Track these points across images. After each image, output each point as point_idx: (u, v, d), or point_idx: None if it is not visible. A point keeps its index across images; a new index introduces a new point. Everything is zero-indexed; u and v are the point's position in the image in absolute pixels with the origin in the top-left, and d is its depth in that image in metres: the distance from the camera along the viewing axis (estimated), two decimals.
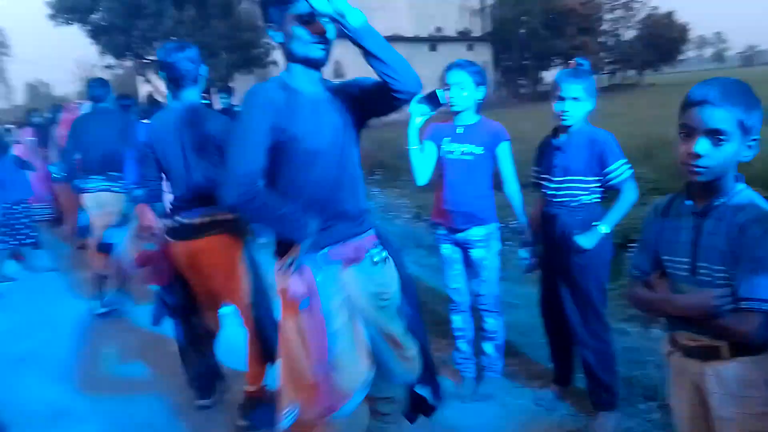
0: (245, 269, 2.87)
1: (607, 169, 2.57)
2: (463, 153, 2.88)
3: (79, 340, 4.29)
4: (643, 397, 2.82)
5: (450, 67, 2.87)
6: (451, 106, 2.84)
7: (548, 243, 2.77)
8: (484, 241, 2.93)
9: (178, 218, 2.82)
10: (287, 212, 1.87)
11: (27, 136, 8.50)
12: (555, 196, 2.68)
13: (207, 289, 2.94)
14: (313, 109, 1.92)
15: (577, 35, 34.56)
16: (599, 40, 37.90)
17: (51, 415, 3.23)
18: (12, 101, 59.41)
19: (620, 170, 2.56)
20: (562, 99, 2.56)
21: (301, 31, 1.86)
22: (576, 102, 2.55)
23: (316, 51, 1.89)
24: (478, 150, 2.87)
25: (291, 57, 1.93)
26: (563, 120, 2.59)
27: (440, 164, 2.93)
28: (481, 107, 2.95)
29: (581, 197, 2.62)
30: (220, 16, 18.34)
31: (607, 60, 42.40)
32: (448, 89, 2.82)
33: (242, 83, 21.17)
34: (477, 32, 32.83)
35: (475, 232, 2.92)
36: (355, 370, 1.99)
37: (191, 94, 2.86)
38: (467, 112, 2.89)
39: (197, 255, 2.81)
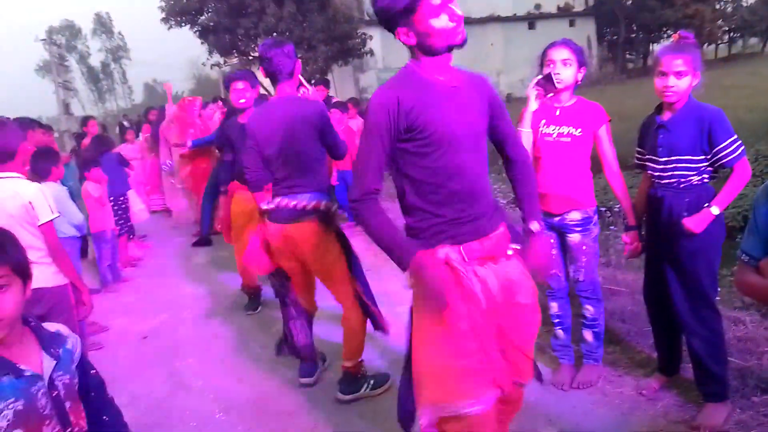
0: (340, 251, 3.07)
1: (717, 148, 2.43)
2: (560, 135, 2.81)
3: (194, 321, 4.63)
4: (758, 390, 2.65)
5: (553, 44, 2.80)
6: (558, 82, 2.74)
7: (654, 227, 2.67)
8: (582, 225, 2.85)
9: (277, 203, 3.03)
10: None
11: (145, 133, 9.22)
12: (661, 177, 2.58)
13: (302, 270, 3.16)
14: (447, 97, 1.84)
15: (690, 3, 32.05)
16: (716, 7, 34.93)
17: (168, 389, 3.53)
18: (132, 101, 64.28)
19: (731, 148, 2.42)
20: (664, 74, 2.45)
21: (442, 21, 1.79)
22: (680, 77, 2.43)
23: (457, 35, 1.82)
24: (576, 132, 2.78)
25: (429, 51, 1.83)
26: (666, 96, 2.48)
27: (537, 147, 2.87)
28: (586, 84, 2.87)
29: (689, 178, 2.50)
30: (317, 10, 18.77)
31: (725, 28, 39.02)
32: (551, 68, 2.75)
33: (339, 74, 21.63)
34: (579, 6, 31.35)
35: (572, 217, 2.84)
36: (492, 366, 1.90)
37: (288, 87, 3.07)
38: (565, 93, 2.82)
39: (293, 238, 3.01)
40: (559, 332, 3.10)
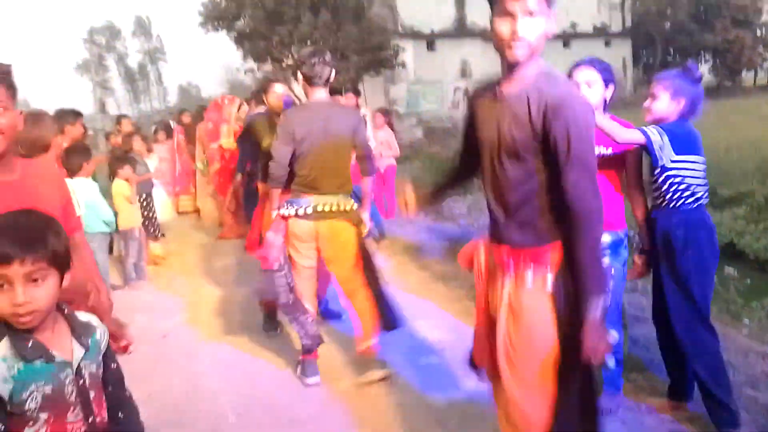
0: (360, 249, 3.36)
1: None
2: None
3: (213, 322, 4.65)
4: None
5: (578, 65, 2.77)
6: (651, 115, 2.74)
7: (653, 248, 2.74)
8: (611, 248, 2.78)
9: (309, 202, 3.24)
10: None
11: (179, 133, 9.35)
12: (654, 198, 2.71)
13: (314, 266, 3.43)
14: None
15: (731, 28, 31.54)
16: (757, 33, 34.31)
17: (184, 389, 3.54)
18: (166, 102, 65.48)
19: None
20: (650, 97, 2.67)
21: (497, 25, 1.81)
22: (655, 99, 2.63)
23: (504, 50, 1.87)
24: (606, 150, 2.74)
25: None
26: (646, 116, 2.68)
27: None
28: (619, 106, 2.84)
29: (679, 197, 2.61)
30: (352, 20, 18.92)
31: (766, 55, 38.32)
32: (577, 88, 2.71)
33: (370, 84, 21.73)
34: (615, 27, 31.07)
35: (602, 239, 2.77)
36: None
37: (324, 92, 3.30)
38: (596, 112, 2.76)
39: (322, 234, 3.28)
40: None
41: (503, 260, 1.95)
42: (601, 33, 30.89)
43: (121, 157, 6.04)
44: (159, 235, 6.97)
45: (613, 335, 2.89)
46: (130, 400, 1.69)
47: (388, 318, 3.38)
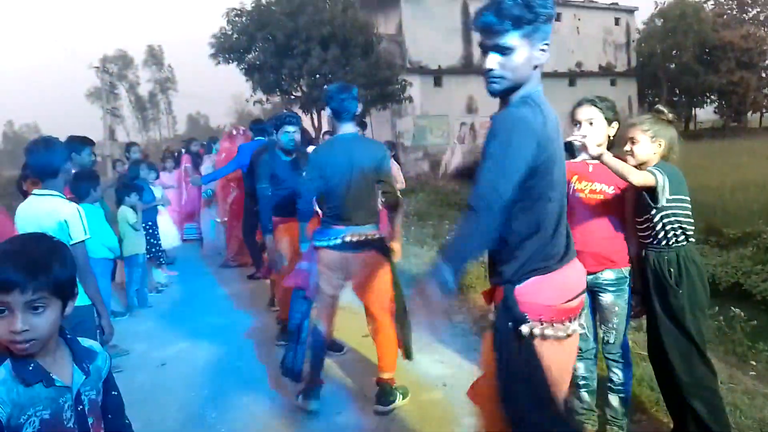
0: (392, 280, 3.44)
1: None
2: (592, 192, 2.77)
3: (213, 352, 4.61)
4: None
5: (580, 103, 2.79)
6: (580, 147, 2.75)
7: (646, 286, 2.74)
8: (616, 285, 2.78)
9: (338, 233, 3.31)
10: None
11: (185, 162, 9.44)
12: (645, 237, 2.71)
13: (359, 292, 3.50)
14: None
15: (735, 70, 31.90)
16: (762, 75, 34.64)
17: (181, 419, 3.49)
18: (175, 131, 66.27)
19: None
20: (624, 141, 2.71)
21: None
22: (633, 143, 2.67)
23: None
24: (609, 189, 2.75)
25: (536, 78, 1.85)
26: (626, 159, 2.67)
27: (570, 203, 2.83)
28: (622, 144, 2.84)
29: (673, 235, 2.63)
30: (361, 55, 19.23)
31: None
32: (578, 126, 2.74)
33: (377, 118, 21.97)
34: (621, 67, 31.47)
35: (606, 276, 2.78)
36: None
37: (352, 126, 3.39)
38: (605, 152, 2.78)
39: (354, 264, 3.36)
40: (584, 395, 2.98)
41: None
42: (607, 72, 31.26)
43: (128, 185, 6.07)
44: (163, 262, 6.97)
45: (617, 374, 2.86)
46: (129, 429, 1.67)
47: (408, 348, 3.52)
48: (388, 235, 3.58)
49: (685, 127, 35.78)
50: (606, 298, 2.80)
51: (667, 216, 2.61)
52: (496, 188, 1.71)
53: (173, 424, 3.43)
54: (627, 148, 2.69)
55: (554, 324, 1.83)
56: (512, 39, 1.75)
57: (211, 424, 3.40)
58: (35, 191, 2.96)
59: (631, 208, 2.75)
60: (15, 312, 1.30)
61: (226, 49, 19.94)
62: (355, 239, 3.32)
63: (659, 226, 2.64)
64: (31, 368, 1.35)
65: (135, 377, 4.13)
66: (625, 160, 2.63)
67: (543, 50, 1.78)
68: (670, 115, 2.71)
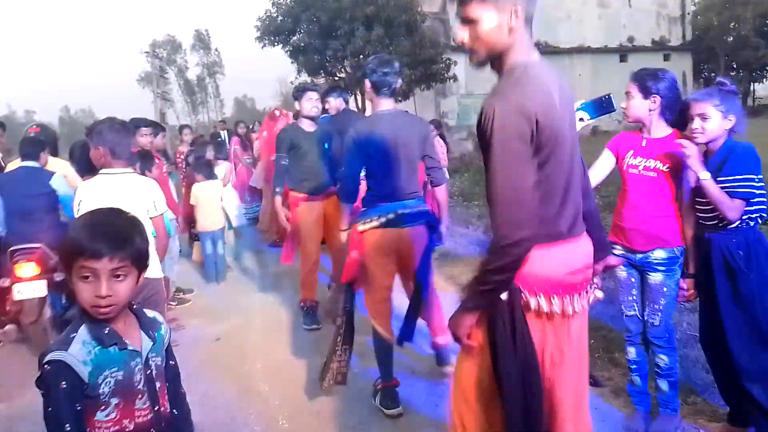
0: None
1: (722, 178, 2.47)
2: (646, 168, 2.70)
3: (265, 327, 4.75)
4: None
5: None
6: (625, 116, 2.71)
7: (706, 269, 2.62)
8: (667, 265, 2.71)
9: (388, 209, 3.15)
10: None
11: (234, 144, 9.63)
12: (706, 219, 2.60)
13: (400, 269, 3.31)
14: (563, 103, 1.73)
15: None
16: None
17: (236, 392, 3.62)
18: (222, 114, 67.39)
19: (738, 184, 2.45)
20: (692, 118, 2.54)
21: None
22: (704, 119, 2.52)
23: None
24: (663, 167, 2.67)
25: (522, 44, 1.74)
26: (694, 138, 2.54)
27: (623, 179, 2.78)
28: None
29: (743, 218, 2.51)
30: (405, 34, 19.04)
31: None
32: (627, 99, 2.69)
33: (420, 98, 21.79)
34: (675, 41, 30.22)
35: (656, 255, 2.71)
36: None
37: (392, 101, 3.25)
38: (653, 125, 2.71)
39: (407, 240, 3.18)
40: (636, 379, 2.95)
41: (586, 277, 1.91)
42: (661, 47, 30.08)
43: (199, 163, 6.39)
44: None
45: (663, 359, 2.80)
46: (184, 398, 1.76)
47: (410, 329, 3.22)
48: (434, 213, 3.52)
49: (743, 102, 34.20)
50: (655, 278, 2.73)
51: (760, 192, 2.48)
52: (513, 221, 1.59)
53: (228, 397, 3.56)
54: (696, 125, 2.54)
55: (550, 298, 1.71)
56: (475, 9, 1.68)
57: (265, 398, 3.52)
58: (115, 169, 3.11)
59: (691, 188, 2.65)
60: (101, 278, 1.41)
61: (271, 31, 20.08)
62: (406, 212, 3.15)
63: (710, 206, 2.53)
64: (106, 332, 1.45)
65: (192, 352, 4.29)
66: (692, 139, 2.54)
67: (515, 14, 1.66)
68: (734, 87, 2.58)
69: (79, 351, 1.41)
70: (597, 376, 3.36)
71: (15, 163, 4.56)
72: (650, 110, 2.68)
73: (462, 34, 1.74)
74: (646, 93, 2.66)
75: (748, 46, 30.75)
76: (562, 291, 1.73)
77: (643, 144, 2.73)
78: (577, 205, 1.81)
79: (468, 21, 1.71)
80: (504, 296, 1.69)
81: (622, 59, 28.19)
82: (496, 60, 1.75)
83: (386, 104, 3.23)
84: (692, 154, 2.47)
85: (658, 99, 2.65)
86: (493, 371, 1.74)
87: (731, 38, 32.46)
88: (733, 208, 2.45)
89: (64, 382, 1.37)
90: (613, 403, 3.17)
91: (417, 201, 3.26)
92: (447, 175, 7.54)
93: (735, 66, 33.07)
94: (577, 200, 1.80)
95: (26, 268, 4.07)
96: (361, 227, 3.16)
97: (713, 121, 2.52)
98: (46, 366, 1.39)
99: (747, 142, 2.56)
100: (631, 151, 2.76)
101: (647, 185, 2.70)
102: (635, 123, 2.76)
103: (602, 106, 2.29)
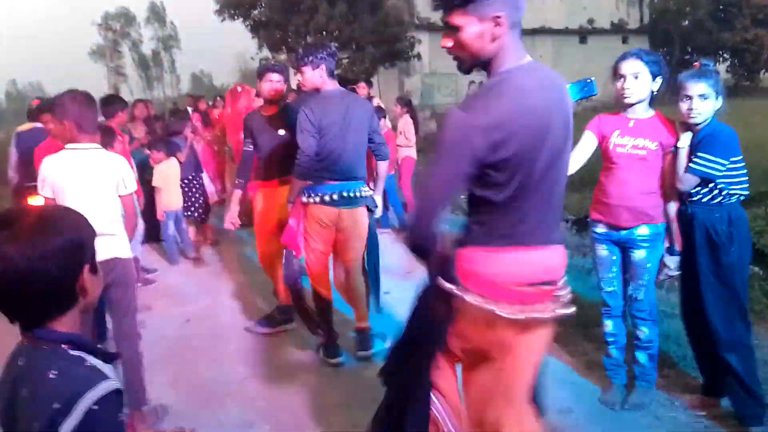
0: (370, 234, 3.65)
1: (697, 155, 2.57)
2: (635, 147, 2.73)
3: (237, 308, 4.66)
4: None
5: (624, 56, 2.72)
6: (625, 97, 2.71)
7: (688, 243, 2.72)
8: (651, 241, 2.76)
9: (334, 189, 3.38)
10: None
11: (195, 120, 9.34)
12: (690, 195, 2.67)
13: (328, 250, 3.58)
14: (551, 111, 1.68)
15: (750, 28, 31.12)
16: None
17: (210, 374, 3.55)
18: (179, 90, 65.67)
19: (708, 163, 2.55)
20: (689, 98, 2.58)
21: None
22: (704, 99, 2.55)
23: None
24: (652, 146, 2.70)
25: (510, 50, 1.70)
26: (691, 118, 2.60)
27: (609, 157, 2.80)
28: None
29: (726, 194, 2.61)
30: (368, 11, 18.85)
31: None
32: (623, 80, 2.68)
33: (385, 76, 21.65)
34: (633, 24, 30.81)
35: (641, 232, 2.76)
36: None
37: (336, 84, 3.48)
38: (642, 105, 2.74)
39: (344, 219, 3.45)
40: (613, 351, 3.00)
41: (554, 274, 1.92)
42: (619, 30, 30.66)
43: (158, 141, 6.21)
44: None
45: (645, 332, 2.87)
46: None
47: (375, 301, 3.85)
48: (373, 189, 3.75)
49: None
50: (639, 254, 2.78)
51: (721, 177, 2.58)
52: (428, 197, 1.69)
53: (203, 379, 3.48)
54: (693, 105, 2.57)
55: (490, 301, 1.65)
56: (457, 17, 1.62)
57: (241, 380, 3.45)
58: (82, 144, 2.87)
59: (673, 166, 2.69)
60: None
61: (232, 4, 19.59)
62: (350, 195, 3.41)
63: (711, 185, 2.60)
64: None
65: (161, 333, 4.17)
66: (687, 119, 2.61)
67: (497, 22, 1.59)
68: (715, 68, 2.64)
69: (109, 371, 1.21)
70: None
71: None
72: (652, 91, 2.71)
73: (446, 41, 1.69)
74: (654, 74, 2.69)
75: (703, 29, 31.53)
76: (505, 297, 1.65)
77: (631, 125, 2.75)
78: (552, 214, 1.74)
79: (451, 28, 1.66)
80: (449, 286, 1.70)
81: (582, 41, 28.62)
82: (484, 65, 1.70)
83: (334, 85, 3.46)
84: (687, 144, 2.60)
85: (660, 80, 2.70)
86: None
87: (686, 22, 33.21)
88: (682, 180, 2.59)
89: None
90: (587, 377, 3.23)
91: (362, 183, 3.49)
92: (415, 154, 7.47)
93: (690, 50, 33.89)
94: (553, 208, 1.74)
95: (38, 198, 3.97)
96: (305, 200, 3.43)
97: (709, 102, 2.57)
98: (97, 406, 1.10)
99: (729, 128, 2.62)
100: (618, 131, 2.77)
101: (636, 163, 2.72)
102: (626, 105, 2.74)
103: (583, 89, 2.30)
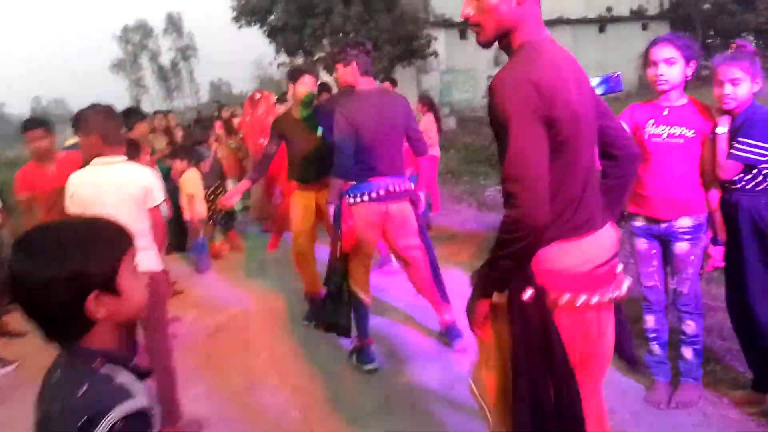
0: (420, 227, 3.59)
1: (740, 140, 2.47)
2: (671, 135, 2.62)
3: (265, 317, 4.63)
4: None
5: (655, 42, 2.62)
6: (659, 85, 2.60)
7: (733, 233, 2.60)
8: (692, 233, 2.65)
9: (378, 185, 3.36)
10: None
11: (218, 129, 9.39)
12: (733, 182, 2.56)
13: (395, 239, 3.53)
14: (579, 86, 1.61)
15: None
16: None
17: (243, 383, 3.52)
18: (198, 99, 66.34)
19: (744, 148, 2.45)
20: (721, 83, 2.48)
21: None
22: (736, 84, 2.46)
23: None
24: (689, 133, 2.60)
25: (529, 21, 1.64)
26: (725, 104, 2.49)
27: (642, 148, 2.69)
28: (653, 91, 2.69)
29: (757, 179, 2.50)
30: (384, 10, 18.77)
31: None
32: (654, 67, 2.58)
33: (402, 75, 21.55)
34: (653, 10, 30.22)
35: (682, 223, 2.65)
36: None
37: (371, 81, 3.46)
38: (676, 92, 2.63)
39: (390, 214, 3.42)
40: (655, 347, 2.90)
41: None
42: (639, 16, 30.11)
43: (182, 150, 6.23)
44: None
45: (691, 325, 2.76)
46: None
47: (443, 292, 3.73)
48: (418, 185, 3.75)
49: None
50: (681, 246, 2.67)
51: (764, 162, 2.47)
52: (525, 164, 1.46)
53: (237, 389, 3.45)
54: (728, 90, 2.47)
55: (578, 294, 1.60)
56: None
57: (274, 389, 3.42)
58: (109, 158, 2.86)
59: (713, 154, 2.59)
60: None
61: (248, 11, 19.69)
62: (395, 188, 3.39)
63: (755, 171, 2.49)
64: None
65: (191, 344, 4.17)
66: (722, 105, 2.51)
67: None
68: (754, 48, 2.53)
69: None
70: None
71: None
72: (686, 77, 2.60)
73: (467, 8, 1.60)
74: (688, 59, 2.58)
75: (725, 11, 30.85)
76: (589, 286, 1.61)
77: (665, 113, 2.65)
78: (597, 194, 1.69)
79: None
80: (527, 296, 1.57)
81: (601, 30, 28.18)
82: (503, 38, 1.61)
83: (369, 83, 3.43)
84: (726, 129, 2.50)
85: (693, 65, 2.58)
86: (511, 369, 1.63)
87: (708, 5, 32.54)
88: (723, 168, 2.49)
89: None
90: (629, 375, 3.13)
91: (402, 178, 3.46)
92: (438, 153, 7.42)
93: (713, 33, 33.20)
94: (596, 188, 1.69)
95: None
96: (351, 201, 3.36)
97: (744, 86, 2.46)
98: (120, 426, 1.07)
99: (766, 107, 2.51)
100: (652, 120, 2.67)
101: (674, 152, 2.62)
102: (662, 92, 2.64)
103: (609, 84, 2.21)
